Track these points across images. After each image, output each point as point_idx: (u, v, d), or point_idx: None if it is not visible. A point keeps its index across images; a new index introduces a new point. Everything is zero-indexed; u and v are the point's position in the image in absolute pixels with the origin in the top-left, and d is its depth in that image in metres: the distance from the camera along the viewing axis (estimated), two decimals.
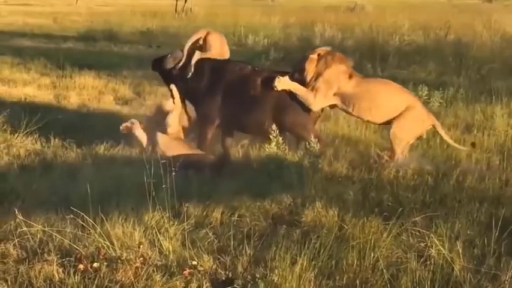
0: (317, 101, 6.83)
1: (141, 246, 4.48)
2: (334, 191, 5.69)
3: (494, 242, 4.55)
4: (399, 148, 6.68)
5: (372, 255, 4.41)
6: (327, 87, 6.82)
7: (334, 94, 6.84)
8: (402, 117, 6.71)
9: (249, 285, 4.04)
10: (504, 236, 4.64)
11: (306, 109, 6.91)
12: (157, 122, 7.20)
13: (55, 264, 4.26)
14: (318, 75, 6.87)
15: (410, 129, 6.74)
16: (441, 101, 9.24)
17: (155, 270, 4.26)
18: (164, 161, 5.24)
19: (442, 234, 4.62)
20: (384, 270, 4.21)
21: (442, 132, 6.92)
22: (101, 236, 4.51)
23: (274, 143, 6.52)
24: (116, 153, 7.01)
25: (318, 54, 6.94)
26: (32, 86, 11.28)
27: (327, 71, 6.84)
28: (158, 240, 4.58)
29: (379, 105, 6.79)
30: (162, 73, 7.66)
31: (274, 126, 6.64)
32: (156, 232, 4.66)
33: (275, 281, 4.08)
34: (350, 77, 6.86)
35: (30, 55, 14.70)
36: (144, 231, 4.76)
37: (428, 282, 4.10)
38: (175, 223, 4.90)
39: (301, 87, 6.85)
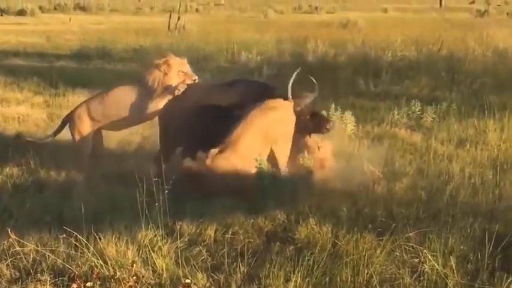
0: None
1: (135, 264, 4.47)
2: (327, 207, 5.70)
3: (488, 257, 4.55)
4: None
5: (366, 271, 4.41)
6: None
7: None
8: None
9: None
10: (498, 250, 4.65)
11: None
12: None
13: (48, 284, 4.25)
14: None
15: None
16: (434, 116, 9.27)
17: None
18: (156, 178, 5.23)
19: (435, 249, 4.63)
20: (378, 287, 4.20)
21: None
22: (94, 255, 4.50)
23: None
24: (108, 171, 6.99)
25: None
26: (25, 105, 11.25)
27: None
28: (152, 258, 4.57)
29: None
30: None
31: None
32: (149, 250, 4.65)
33: None
34: None
35: (23, 74, 14.69)
36: (137, 249, 4.76)
37: None
38: (169, 241, 4.90)
39: None
